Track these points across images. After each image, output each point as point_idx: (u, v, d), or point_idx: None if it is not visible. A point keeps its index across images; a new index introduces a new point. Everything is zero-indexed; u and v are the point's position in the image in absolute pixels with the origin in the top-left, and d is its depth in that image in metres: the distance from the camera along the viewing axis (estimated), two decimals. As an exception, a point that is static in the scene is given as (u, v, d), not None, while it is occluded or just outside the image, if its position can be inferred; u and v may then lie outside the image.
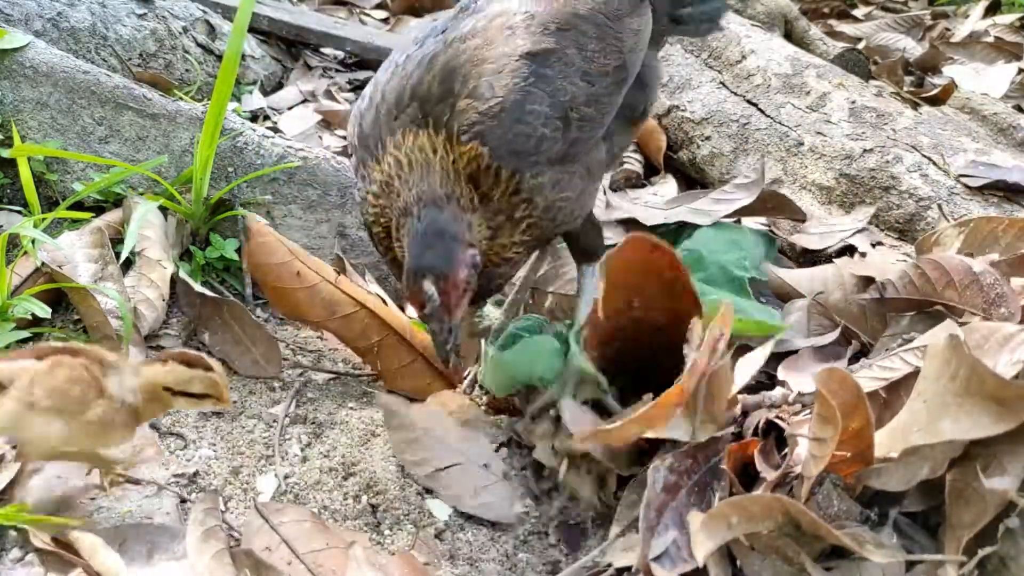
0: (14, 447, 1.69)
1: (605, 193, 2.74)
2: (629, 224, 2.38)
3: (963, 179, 2.47)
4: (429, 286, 1.52)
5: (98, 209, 2.28)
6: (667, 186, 3.04)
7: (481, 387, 2.04)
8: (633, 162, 3.17)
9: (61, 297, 2.06)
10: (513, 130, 1.62)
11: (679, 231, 2.32)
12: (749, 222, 2.61)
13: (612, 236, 2.37)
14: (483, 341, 2.05)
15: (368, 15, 4.51)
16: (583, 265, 1.98)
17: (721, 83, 3.13)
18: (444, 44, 1.72)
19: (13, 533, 1.52)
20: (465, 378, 2.07)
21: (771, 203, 2.45)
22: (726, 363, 1.50)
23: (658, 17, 2.01)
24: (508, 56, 1.66)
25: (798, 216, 2.49)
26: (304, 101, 3.43)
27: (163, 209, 2.25)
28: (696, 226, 2.30)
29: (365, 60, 3.83)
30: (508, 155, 1.62)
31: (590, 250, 1.96)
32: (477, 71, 1.65)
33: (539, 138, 1.64)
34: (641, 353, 1.71)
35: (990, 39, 4.52)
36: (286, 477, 1.77)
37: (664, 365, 1.60)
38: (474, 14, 1.79)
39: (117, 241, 2.08)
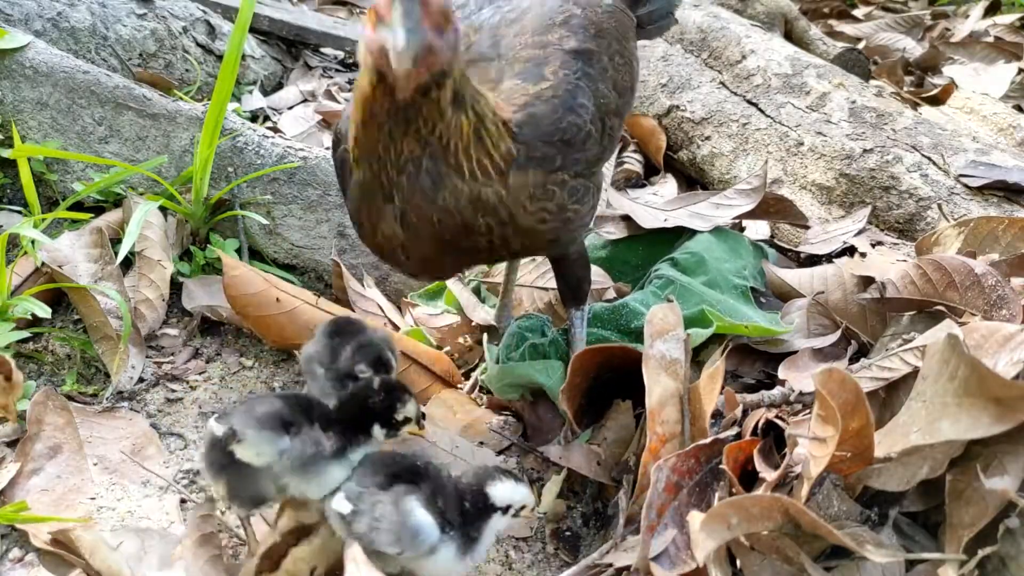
0: (11, 444, 1.70)
1: (606, 192, 2.74)
2: (629, 220, 2.37)
3: (963, 179, 2.47)
4: None
5: (98, 209, 2.28)
6: (667, 186, 3.04)
7: (483, 388, 2.04)
8: (633, 162, 3.18)
9: (61, 297, 2.06)
10: (566, 118, 1.56)
11: (678, 233, 2.32)
12: (750, 224, 2.62)
13: (615, 231, 2.38)
14: (486, 344, 2.06)
15: (368, 15, 4.51)
16: (571, 310, 1.90)
17: (721, 83, 3.13)
18: (471, 28, 1.67)
19: (13, 533, 1.52)
20: (467, 379, 2.08)
21: (774, 207, 2.45)
22: (701, 384, 1.51)
23: None
24: (554, 47, 1.62)
25: (801, 221, 2.49)
26: (304, 101, 3.43)
27: (163, 209, 2.25)
28: (694, 230, 2.30)
29: (365, 60, 3.83)
30: (558, 144, 1.54)
31: (577, 289, 1.87)
32: (518, 55, 1.60)
33: (587, 134, 1.59)
34: (609, 379, 1.77)
35: (990, 39, 4.52)
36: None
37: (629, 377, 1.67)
38: (496, 5, 1.74)
39: (117, 241, 2.08)
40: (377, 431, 1.46)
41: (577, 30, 1.67)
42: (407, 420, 1.49)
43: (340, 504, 1.37)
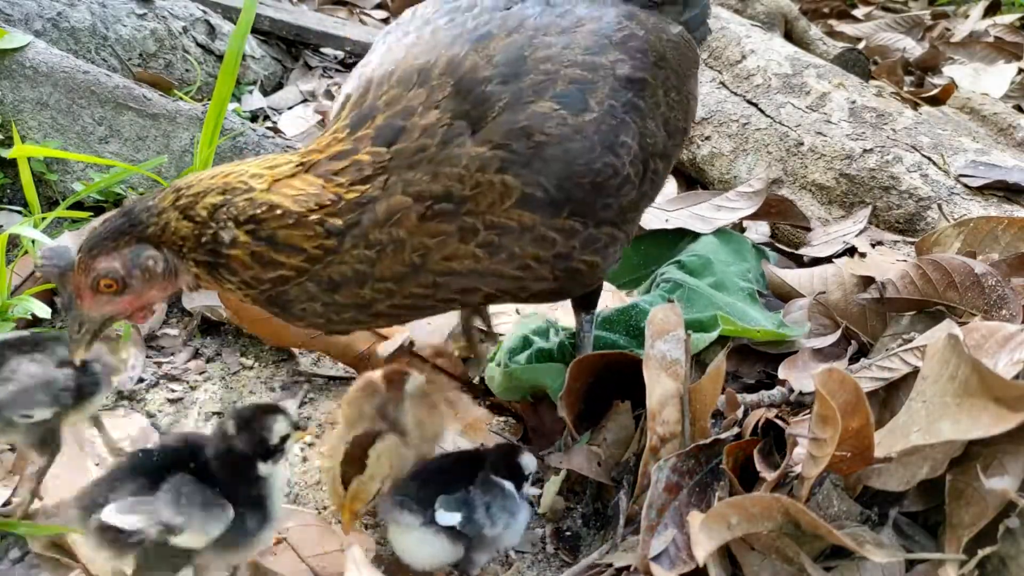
0: (12, 450, 1.70)
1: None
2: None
3: (963, 179, 2.47)
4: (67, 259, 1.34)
5: (98, 209, 2.28)
6: (667, 186, 3.03)
7: (486, 390, 2.04)
8: (633, 162, 3.18)
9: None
10: (603, 158, 1.37)
11: (679, 234, 2.32)
12: (750, 225, 2.62)
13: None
14: (488, 346, 2.06)
15: (368, 15, 4.51)
16: (581, 313, 1.83)
17: (721, 83, 3.13)
18: (504, 28, 1.43)
19: (12, 534, 1.52)
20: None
21: (776, 208, 2.45)
22: (702, 384, 1.52)
23: None
24: (606, 71, 1.41)
25: (802, 222, 2.49)
26: (304, 101, 3.43)
27: (163, 209, 2.25)
28: (695, 232, 2.30)
29: (365, 60, 3.84)
30: (588, 187, 1.36)
31: (590, 298, 1.79)
32: (562, 73, 1.37)
33: (624, 178, 1.40)
34: (608, 381, 1.75)
35: (990, 39, 4.52)
36: (289, 477, 1.77)
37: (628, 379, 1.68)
38: (549, 6, 1.51)
39: (117, 241, 2.08)
40: (264, 468, 1.40)
41: (635, 55, 1.46)
42: (285, 437, 1.43)
43: (448, 519, 1.40)
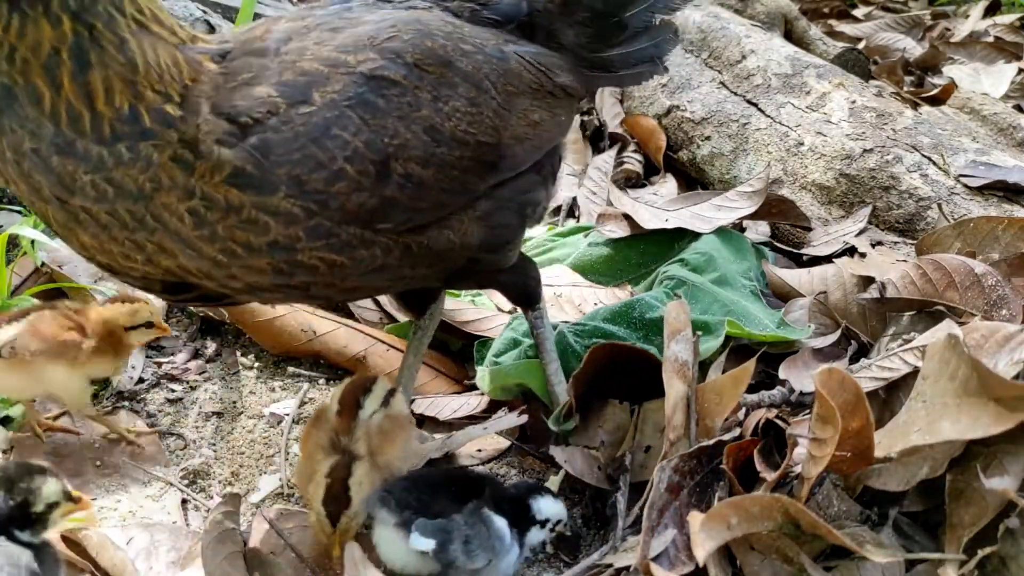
0: (7, 451, 1.70)
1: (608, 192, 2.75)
2: (630, 219, 2.38)
3: (963, 179, 2.47)
4: None
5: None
6: (667, 186, 3.04)
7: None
8: (633, 162, 3.18)
9: (61, 297, 2.06)
10: (304, 149, 1.32)
11: (679, 234, 2.32)
12: (750, 224, 2.62)
13: (617, 229, 2.38)
14: (480, 345, 2.06)
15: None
16: (527, 312, 1.81)
17: (721, 83, 3.13)
18: (300, 17, 1.49)
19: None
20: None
21: (776, 208, 2.45)
22: (719, 385, 1.52)
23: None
24: (349, 68, 1.39)
25: (802, 222, 2.49)
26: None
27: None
28: (695, 232, 2.30)
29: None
30: (290, 175, 1.31)
31: (522, 294, 1.77)
32: (298, 64, 1.38)
33: (335, 173, 1.34)
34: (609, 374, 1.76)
35: (990, 39, 4.52)
36: (288, 478, 1.77)
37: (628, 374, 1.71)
38: (367, 7, 1.57)
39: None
40: (24, 536, 1.26)
41: (387, 55, 1.42)
42: (53, 504, 1.29)
43: (422, 544, 1.38)
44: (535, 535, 1.52)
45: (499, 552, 1.43)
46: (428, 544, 1.37)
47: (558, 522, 1.54)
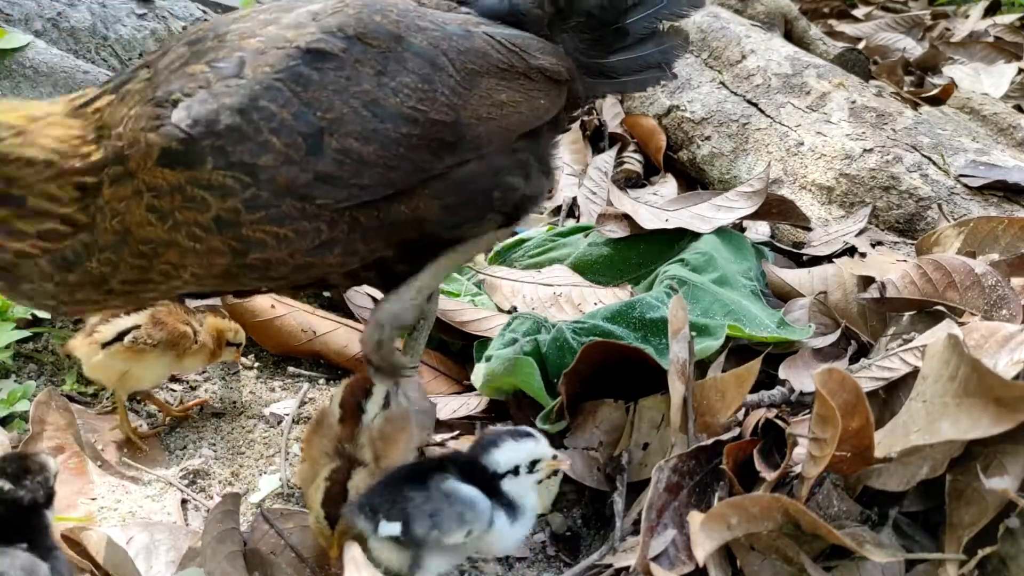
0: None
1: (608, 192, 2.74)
2: (629, 219, 2.37)
3: (963, 179, 2.47)
4: None
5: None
6: (667, 186, 3.04)
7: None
8: (633, 161, 3.18)
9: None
10: (229, 119, 1.30)
11: (679, 233, 2.32)
12: (750, 224, 2.61)
13: (617, 229, 2.38)
14: (480, 345, 2.06)
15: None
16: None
17: (721, 83, 3.13)
18: (233, 19, 1.46)
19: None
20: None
21: (776, 208, 2.45)
22: (720, 378, 1.52)
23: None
24: (286, 42, 1.37)
25: (803, 222, 2.49)
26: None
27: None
28: (695, 232, 2.30)
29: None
30: (215, 145, 1.30)
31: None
32: (237, 43, 1.37)
33: (260, 144, 1.31)
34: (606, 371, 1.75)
35: (990, 39, 4.52)
36: (288, 478, 1.77)
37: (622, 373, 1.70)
38: None
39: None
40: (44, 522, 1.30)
41: (328, 28, 1.40)
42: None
43: (388, 528, 1.36)
44: (516, 487, 1.44)
45: (475, 520, 1.38)
46: (394, 528, 1.35)
47: (535, 462, 1.45)
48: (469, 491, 1.40)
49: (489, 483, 1.44)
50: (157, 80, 1.36)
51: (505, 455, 1.44)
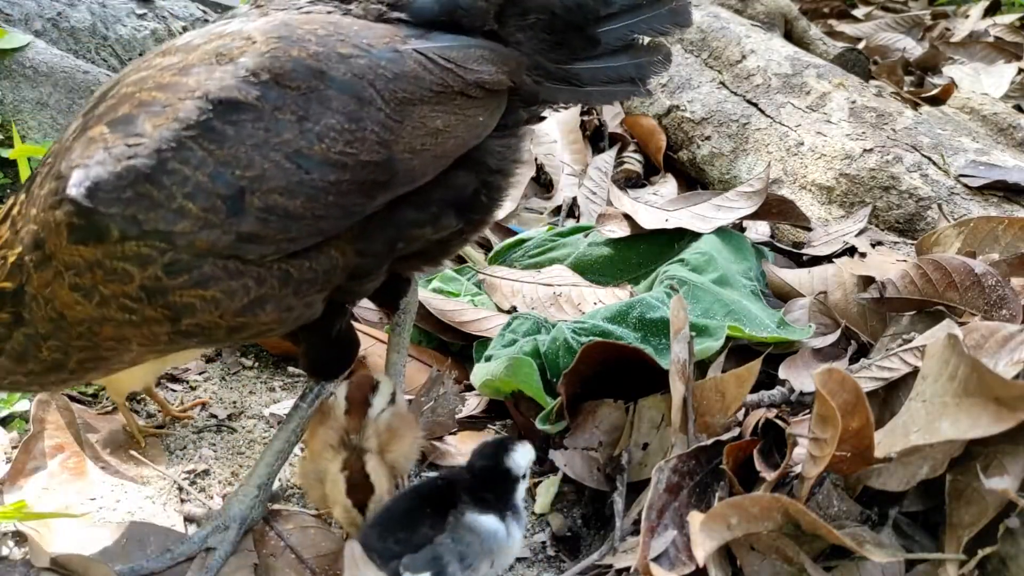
0: (15, 448, 1.70)
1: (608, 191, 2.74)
2: (629, 219, 2.38)
3: (963, 179, 2.47)
4: None
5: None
6: (667, 186, 3.04)
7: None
8: (633, 161, 3.18)
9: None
10: (135, 186, 1.20)
11: (679, 234, 2.32)
12: (750, 224, 2.61)
13: (617, 229, 2.38)
14: (479, 345, 2.06)
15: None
16: (310, 382, 1.60)
17: (721, 83, 3.13)
18: (132, 68, 1.37)
19: (13, 534, 1.52)
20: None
21: (777, 208, 2.45)
22: (720, 379, 1.52)
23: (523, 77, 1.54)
24: (189, 91, 1.26)
25: (803, 222, 2.49)
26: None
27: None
28: (694, 232, 2.30)
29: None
30: (124, 215, 1.20)
31: (319, 365, 1.59)
32: (137, 95, 1.28)
33: (176, 211, 1.21)
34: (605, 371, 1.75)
35: (990, 39, 4.52)
36: (288, 478, 1.77)
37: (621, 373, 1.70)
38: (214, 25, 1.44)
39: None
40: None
41: (240, 71, 1.28)
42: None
43: None
44: (522, 490, 1.47)
45: (499, 548, 1.40)
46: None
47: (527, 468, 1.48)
48: (488, 520, 1.39)
49: (506, 490, 1.44)
50: (60, 152, 1.29)
51: (525, 458, 1.47)
